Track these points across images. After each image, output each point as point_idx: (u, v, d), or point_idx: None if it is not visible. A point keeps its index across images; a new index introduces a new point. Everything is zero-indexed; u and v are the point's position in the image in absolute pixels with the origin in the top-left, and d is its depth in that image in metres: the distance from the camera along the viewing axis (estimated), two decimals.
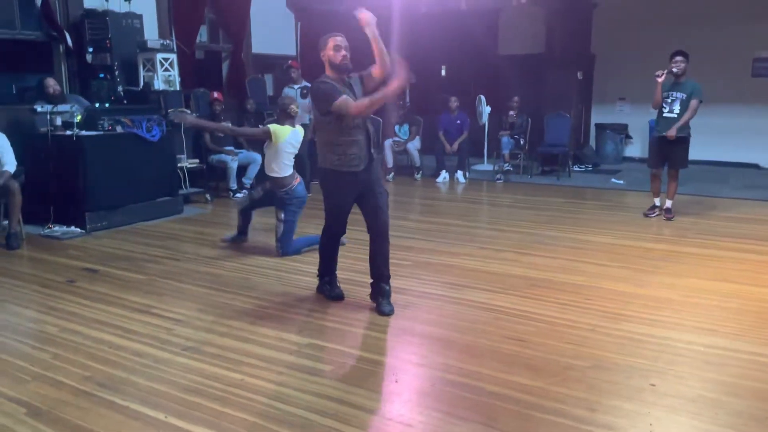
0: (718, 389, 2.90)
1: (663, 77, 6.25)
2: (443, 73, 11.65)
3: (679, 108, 6.26)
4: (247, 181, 7.89)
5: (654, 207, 6.61)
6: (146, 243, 5.70)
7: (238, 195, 7.78)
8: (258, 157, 7.89)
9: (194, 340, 3.49)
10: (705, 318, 3.76)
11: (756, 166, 9.85)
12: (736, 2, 9.36)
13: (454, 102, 9.51)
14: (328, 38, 3.77)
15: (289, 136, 5.12)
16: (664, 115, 6.35)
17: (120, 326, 3.71)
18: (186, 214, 6.90)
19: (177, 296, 4.29)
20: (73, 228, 6.00)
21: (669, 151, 6.36)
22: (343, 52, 3.72)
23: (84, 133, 6.07)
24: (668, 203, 6.49)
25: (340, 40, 3.75)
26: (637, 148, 10.94)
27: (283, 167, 5.16)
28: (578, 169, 10.09)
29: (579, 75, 10.40)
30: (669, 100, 6.31)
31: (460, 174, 9.27)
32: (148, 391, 2.90)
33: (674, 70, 6.22)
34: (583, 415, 2.66)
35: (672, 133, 6.20)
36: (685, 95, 6.24)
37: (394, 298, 4.07)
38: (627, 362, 3.17)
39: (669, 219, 6.41)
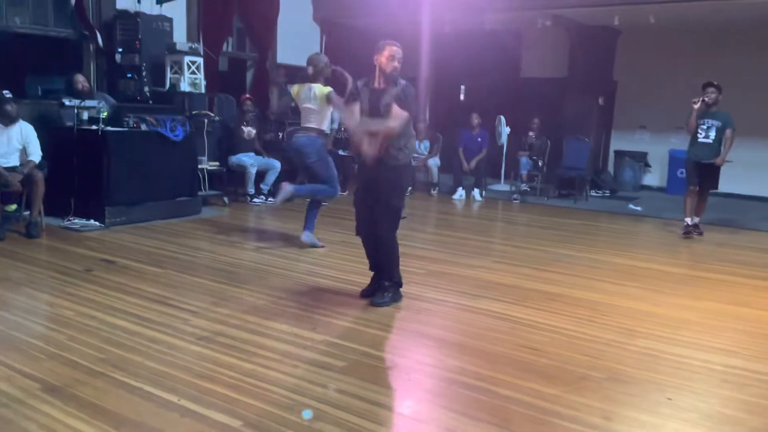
0: (735, 407, 2.85)
1: (699, 104, 6.55)
2: (462, 96, 11.73)
3: (714, 134, 6.61)
4: (265, 187, 7.95)
5: (688, 226, 6.76)
6: (163, 239, 5.74)
7: (256, 200, 7.84)
8: (277, 163, 7.97)
9: (209, 330, 3.50)
10: (723, 339, 3.71)
11: None
12: (762, 32, 9.34)
13: (475, 119, 9.56)
14: (385, 45, 3.91)
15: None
16: (700, 140, 6.70)
17: (136, 314, 3.73)
18: (203, 215, 6.95)
19: (193, 289, 4.31)
20: (92, 221, 6.06)
21: (706, 175, 6.71)
22: (396, 64, 3.88)
23: (109, 128, 6.16)
24: (697, 219, 6.80)
25: (396, 50, 3.89)
26: (656, 177, 10.89)
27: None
28: (595, 194, 10.05)
29: (600, 101, 10.42)
30: (705, 127, 6.65)
31: (476, 192, 9.27)
32: (162, 375, 2.91)
33: (707, 99, 6.54)
34: (598, 423, 2.63)
35: (720, 162, 6.64)
36: (720, 123, 6.58)
37: (408, 303, 4.08)
38: (643, 376, 3.12)
39: (700, 234, 6.74)
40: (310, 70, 5.40)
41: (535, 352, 3.38)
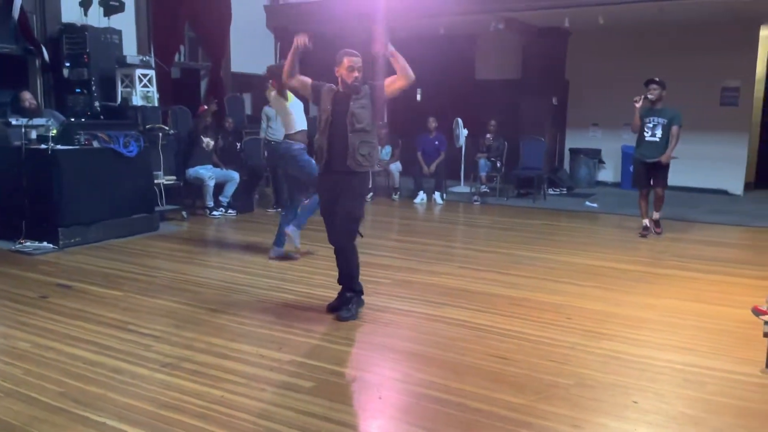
0: (697, 406, 2.93)
1: (640, 102, 6.52)
2: (419, 97, 11.77)
3: (661, 132, 6.53)
4: (224, 199, 7.83)
5: (646, 227, 6.80)
6: (121, 259, 5.59)
7: (215, 213, 7.72)
8: (236, 175, 7.87)
9: (173, 356, 3.42)
10: (682, 337, 3.81)
11: (725, 192, 10.10)
12: (705, 33, 9.68)
13: (432, 122, 9.63)
14: (344, 56, 3.93)
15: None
16: (647, 139, 6.61)
17: (95, 342, 3.61)
18: (162, 230, 6.80)
19: (154, 312, 4.20)
20: (45, 243, 5.86)
21: (655, 173, 6.65)
22: (356, 74, 3.90)
23: (59, 147, 5.97)
24: (656, 215, 6.79)
25: (355, 60, 3.91)
26: (609, 172, 11.16)
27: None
28: (553, 192, 10.23)
29: (554, 101, 10.61)
30: (650, 125, 6.58)
31: (437, 195, 9.33)
32: (125, 407, 2.83)
33: (650, 96, 6.50)
34: (568, 431, 2.66)
35: (665, 159, 6.52)
36: (666, 120, 6.50)
37: (374, 315, 4.07)
38: (609, 380, 3.19)
39: (659, 233, 6.75)
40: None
41: (502, 361, 3.41)
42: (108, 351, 3.49)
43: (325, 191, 4.15)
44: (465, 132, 10.01)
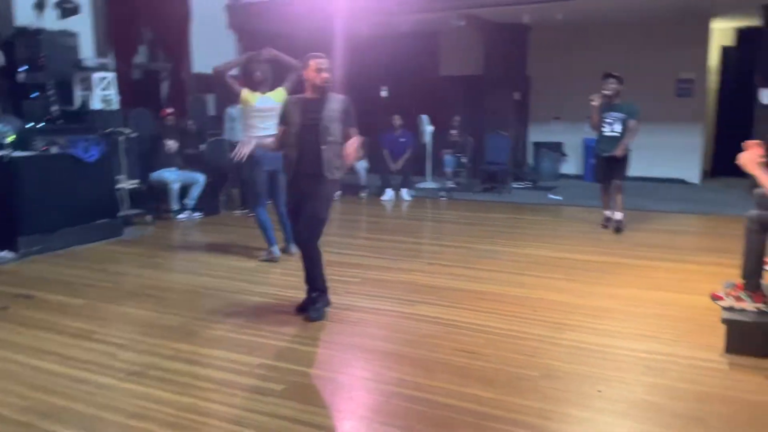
0: (659, 393, 3.02)
1: (598, 101, 6.55)
2: (383, 94, 11.79)
3: (620, 127, 6.56)
4: (190, 202, 7.74)
5: (608, 219, 6.86)
6: (85, 267, 5.48)
7: (181, 216, 7.62)
8: (201, 177, 7.78)
9: (139, 364, 3.38)
10: (644, 326, 3.92)
11: (682, 182, 10.37)
12: (659, 28, 9.92)
13: (397, 120, 9.65)
14: (309, 59, 3.91)
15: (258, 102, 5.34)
16: (606, 134, 6.63)
17: (59, 353, 3.55)
18: (126, 236, 6.68)
19: (119, 320, 4.14)
20: (5, 253, 5.70)
21: (614, 167, 6.67)
22: (325, 74, 3.88)
23: (17, 153, 5.82)
24: (618, 215, 6.74)
25: (321, 62, 3.90)
26: (572, 165, 11.35)
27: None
28: (518, 185, 10.36)
29: (516, 95, 10.74)
30: (609, 121, 6.60)
31: (404, 192, 9.36)
32: (92, 419, 2.79)
33: (606, 92, 6.53)
34: (536, 423, 2.72)
35: (619, 152, 6.51)
36: (624, 115, 6.55)
37: (344, 315, 4.09)
38: (575, 370, 3.26)
39: (620, 230, 6.66)
40: (259, 75, 5.35)
41: (472, 356, 3.45)
42: (72, 361, 3.42)
43: (295, 194, 4.11)
44: (430, 128, 10.07)
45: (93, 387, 3.11)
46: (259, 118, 5.34)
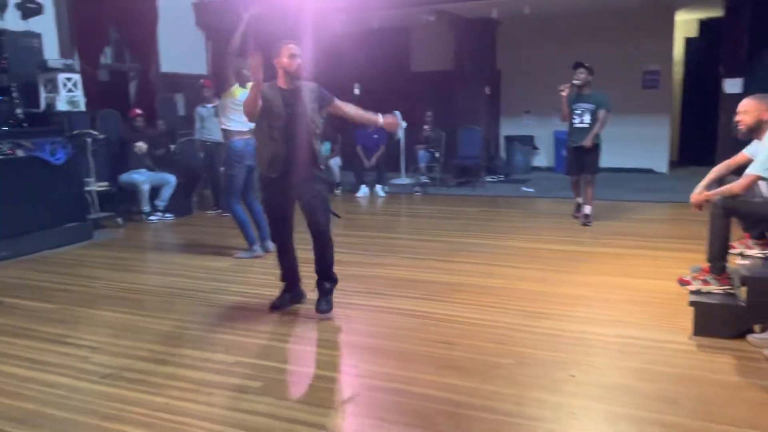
0: (631, 375, 3.08)
1: (566, 91, 6.51)
2: (356, 91, 11.78)
3: (589, 118, 6.52)
4: (161, 203, 7.65)
5: (580, 205, 6.85)
6: (54, 271, 5.39)
7: (152, 218, 7.53)
8: (172, 178, 7.69)
9: (113, 366, 3.34)
10: (615, 311, 3.99)
11: (651, 171, 10.57)
12: (625, 21, 10.07)
13: None
14: (281, 45, 3.79)
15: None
16: (576, 125, 6.58)
17: (29, 358, 3.48)
18: (96, 239, 6.58)
19: (91, 323, 4.08)
20: None
21: (584, 159, 6.62)
22: (298, 60, 3.76)
23: None
24: (587, 209, 6.71)
25: (294, 47, 3.78)
26: (543, 158, 11.48)
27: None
28: (491, 179, 10.45)
29: (487, 90, 10.82)
30: (579, 112, 6.56)
31: (379, 188, 9.38)
32: (64, 422, 2.75)
33: (576, 81, 6.51)
34: (511, 409, 2.76)
35: (588, 143, 6.45)
36: (594, 106, 6.50)
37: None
38: (548, 357, 3.31)
39: (587, 224, 6.63)
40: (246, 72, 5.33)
41: (447, 346, 3.48)
42: (43, 366, 3.37)
43: (280, 196, 3.96)
44: (404, 124, 10.08)
45: (66, 391, 3.06)
46: (238, 111, 5.31)
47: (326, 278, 4.09)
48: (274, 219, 4.10)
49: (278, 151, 3.79)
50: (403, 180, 10.33)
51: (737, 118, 3.63)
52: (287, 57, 3.76)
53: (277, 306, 4.14)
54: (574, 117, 6.60)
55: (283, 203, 3.98)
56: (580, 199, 6.91)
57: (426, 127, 9.94)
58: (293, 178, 3.85)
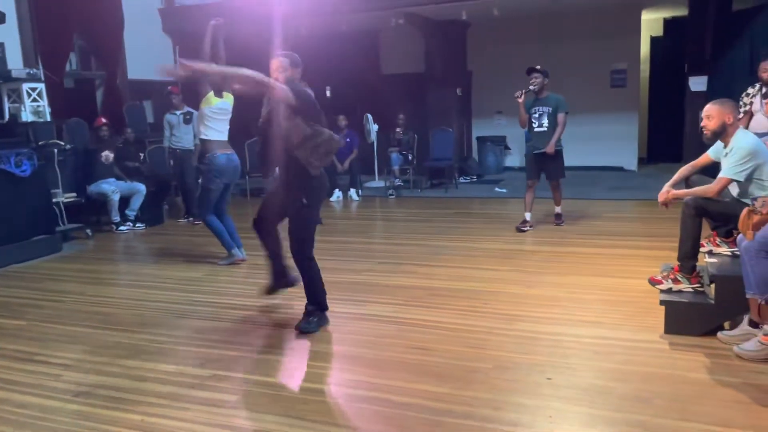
0: (606, 376, 3.12)
1: (523, 97, 6.42)
2: (328, 94, 11.75)
3: (547, 121, 6.46)
4: (131, 213, 7.54)
5: (525, 221, 6.58)
6: (22, 286, 5.27)
7: (122, 228, 7.40)
8: (142, 187, 7.58)
9: (86, 384, 3.27)
10: (589, 312, 4.04)
11: (621, 169, 10.74)
12: (593, 20, 10.22)
13: (342, 120, 9.65)
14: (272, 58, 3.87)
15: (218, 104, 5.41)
16: (535, 130, 6.53)
17: None
18: (65, 251, 6.46)
19: (62, 340, 3.99)
20: None
21: (545, 165, 6.57)
22: (288, 73, 3.82)
23: None
24: (557, 209, 6.77)
25: (281, 60, 3.84)
26: (516, 158, 11.59)
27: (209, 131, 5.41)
28: (464, 180, 10.52)
29: (458, 91, 10.89)
30: (536, 115, 6.50)
31: (353, 192, 9.37)
32: None
33: (532, 87, 6.42)
34: (489, 414, 2.77)
35: (550, 150, 6.39)
36: (550, 108, 6.45)
37: (295, 320, 4.05)
38: (524, 360, 3.33)
39: (559, 224, 6.69)
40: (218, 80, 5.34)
41: (425, 352, 3.49)
42: (13, 385, 3.28)
43: (275, 204, 4.05)
44: (375, 127, 10.10)
45: (37, 411, 2.99)
46: (216, 119, 5.40)
47: (308, 300, 3.98)
48: (266, 200, 4.16)
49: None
50: (377, 183, 10.34)
51: (702, 123, 3.70)
52: (274, 71, 3.81)
53: (270, 290, 4.29)
54: (533, 121, 6.52)
55: (275, 193, 4.01)
56: (527, 215, 6.63)
57: (398, 129, 9.97)
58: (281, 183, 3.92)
